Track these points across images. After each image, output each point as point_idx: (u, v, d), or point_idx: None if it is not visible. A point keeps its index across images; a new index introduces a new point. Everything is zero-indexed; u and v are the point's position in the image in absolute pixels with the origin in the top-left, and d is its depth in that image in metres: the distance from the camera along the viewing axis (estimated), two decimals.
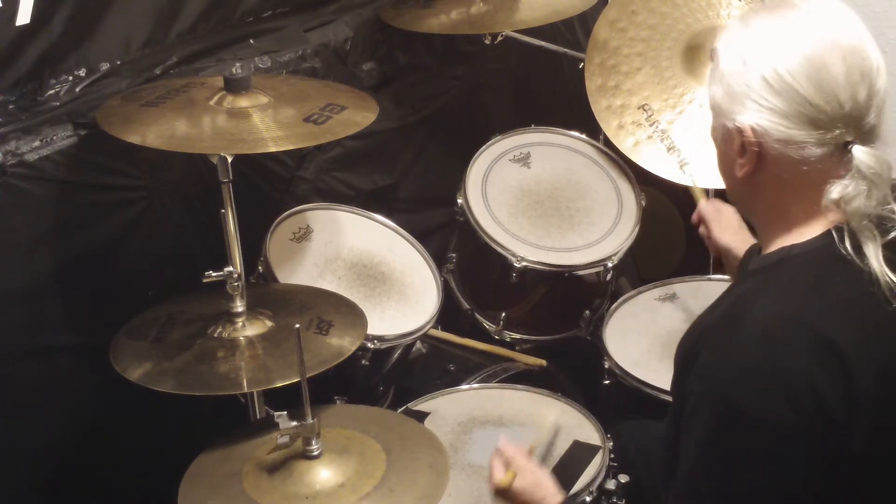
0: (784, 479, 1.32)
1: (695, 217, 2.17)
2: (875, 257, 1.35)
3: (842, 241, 1.37)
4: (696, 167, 2.50)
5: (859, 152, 1.34)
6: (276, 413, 1.65)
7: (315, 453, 1.69)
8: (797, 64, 1.35)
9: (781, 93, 1.36)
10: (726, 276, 2.25)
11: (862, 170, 1.34)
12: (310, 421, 1.66)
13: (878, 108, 1.38)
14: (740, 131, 1.40)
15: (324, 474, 1.68)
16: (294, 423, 1.65)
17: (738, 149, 1.42)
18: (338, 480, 1.67)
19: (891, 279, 1.35)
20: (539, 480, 1.68)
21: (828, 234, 1.39)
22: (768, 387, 1.31)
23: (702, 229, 2.15)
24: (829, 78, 1.34)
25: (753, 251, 1.59)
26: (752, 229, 1.57)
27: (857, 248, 1.36)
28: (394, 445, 1.77)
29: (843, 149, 1.36)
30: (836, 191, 1.36)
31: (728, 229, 2.07)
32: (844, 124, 1.35)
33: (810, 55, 1.35)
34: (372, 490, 1.66)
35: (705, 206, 2.15)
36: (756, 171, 1.42)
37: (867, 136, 1.37)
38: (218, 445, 1.81)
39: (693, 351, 1.42)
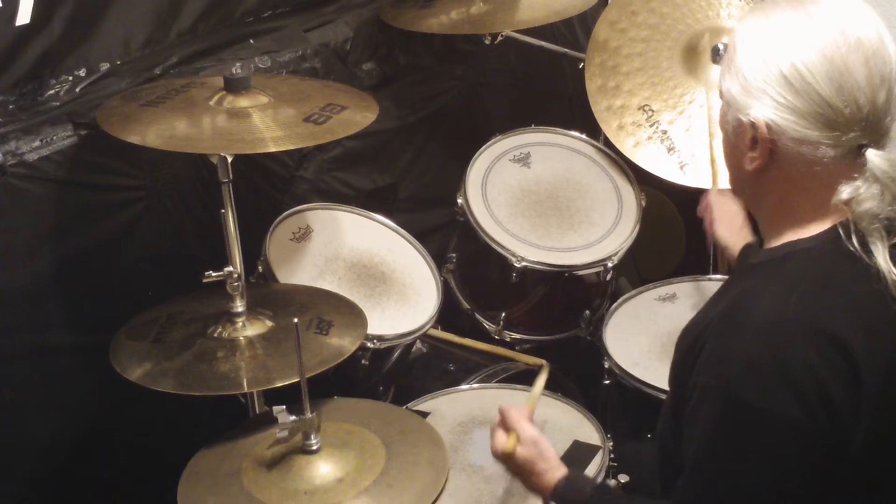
0: (787, 472, 1.32)
1: (701, 207, 2.17)
2: (883, 257, 1.35)
3: (848, 237, 1.37)
4: (696, 168, 2.51)
5: (873, 156, 1.34)
6: (275, 407, 1.65)
7: (314, 448, 1.69)
8: (818, 63, 1.34)
9: (800, 92, 1.34)
10: (726, 277, 2.25)
11: (875, 173, 1.34)
12: (309, 415, 1.66)
13: (895, 112, 1.37)
14: (754, 126, 1.39)
15: (323, 469, 1.68)
16: (293, 418, 1.65)
17: (749, 142, 1.41)
18: (337, 475, 1.67)
19: None
20: (542, 451, 1.66)
21: (834, 229, 1.39)
22: (773, 380, 1.31)
23: (706, 218, 2.15)
24: (850, 80, 1.33)
25: (750, 247, 1.59)
26: (755, 224, 1.56)
27: (864, 244, 1.36)
28: (393, 440, 1.77)
29: (857, 151, 1.35)
30: (847, 192, 1.36)
31: (729, 226, 2.07)
32: (861, 127, 1.34)
33: (832, 55, 1.34)
34: (371, 484, 1.66)
35: (714, 196, 2.15)
36: (766, 167, 1.41)
37: (882, 139, 1.37)
38: (217, 442, 1.81)
39: (696, 345, 1.41)
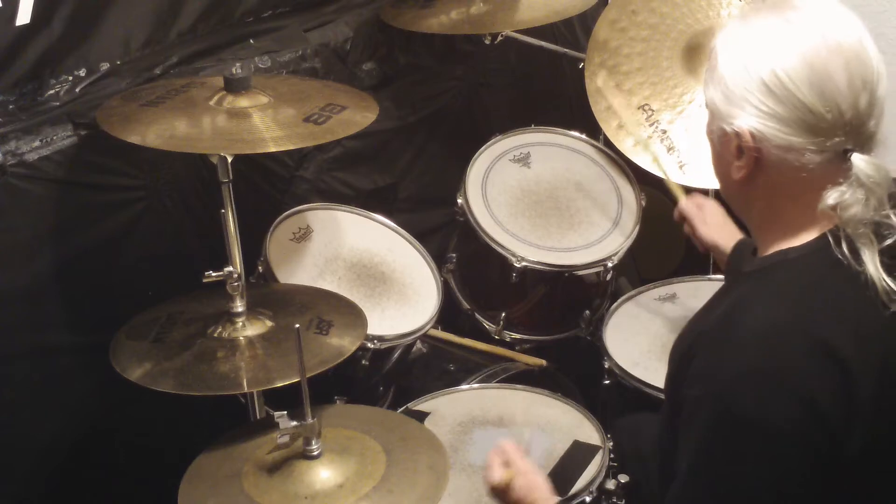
0: (781, 481, 1.32)
1: (676, 215, 2.18)
2: (872, 262, 1.34)
3: (837, 244, 1.36)
4: (695, 167, 2.50)
5: (858, 160, 1.33)
6: (277, 413, 1.65)
7: (315, 453, 1.69)
8: (799, 69, 1.33)
9: (782, 99, 1.34)
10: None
11: (860, 178, 1.33)
12: (310, 421, 1.66)
13: (878, 116, 1.37)
14: (738, 135, 1.38)
15: (323, 474, 1.68)
16: (294, 423, 1.65)
17: (735, 151, 1.41)
18: (337, 481, 1.67)
19: (887, 283, 1.34)
20: (535, 482, 1.67)
21: (823, 237, 1.38)
22: (765, 389, 1.31)
23: (686, 227, 2.16)
24: (831, 85, 1.32)
25: (743, 248, 1.59)
26: (744, 228, 1.56)
27: (853, 251, 1.35)
28: (394, 446, 1.77)
29: (842, 156, 1.35)
30: (832, 197, 1.35)
31: (712, 225, 2.07)
32: (844, 132, 1.34)
33: (812, 61, 1.33)
34: (371, 490, 1.66)
35: (686, 204, 2.16)
36: (753, 175, 1.41)
37: (866, 142, 1.36)
38: (218, 445, 1.81)
39: (688, 354, 1.41)
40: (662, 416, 1.57)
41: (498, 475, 1.68)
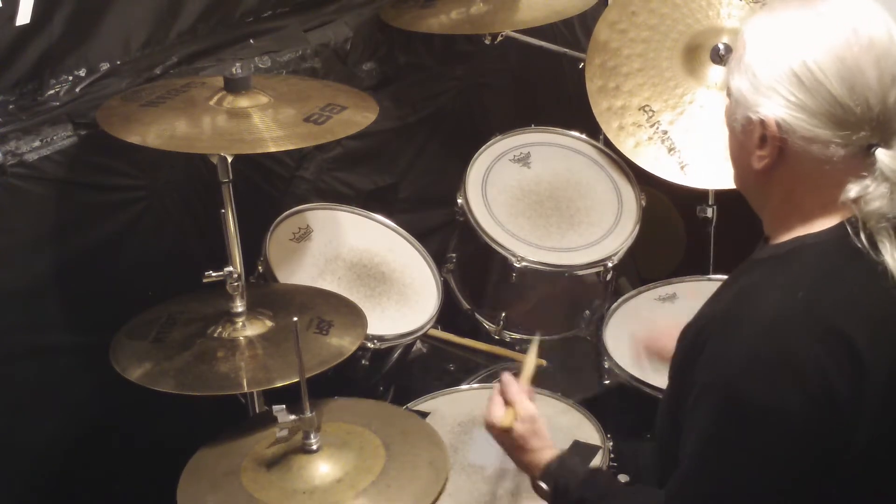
0: (788, 469, 1.32)
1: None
2: (891, 255, 1.34)
3: (856, 233, 1.36)
4: (696, 168, 2.51)
5: (883, 155, 1.33)
6: (275, 406, 1.65)
7: (314, 447, 1.69)
8: (830, 62, 1.33)
9: (812, 90, 1.33)
10: (726, 277, 2.25)
11: (885, 173, 1.33)
12: (308, 415, 1.66)
13: None
14: (764, 124, 1.37)
15: (322, 469, 1.68)
16: (293, 417, 1.65)
17: (758, 140, 1.40)
18: (336, 475, 1.67)
19: None
20: (537, 429, 1.67)
21: (841, 225, 1.38)
22: (775, 375, 1.30)
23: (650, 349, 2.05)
24: (861, 80, 1.32)
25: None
26: (757, 222, 1.56)
27: (872, 241, 1.35)
28: (394, 441, 1.77)
29: (867, 150, 1.34)
30: (855, 190, 1.35)
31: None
32: (871, 127, 1.34)
33: (843, 54, 1.32)
34: (370, 485, 1.66)
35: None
36: (774, 165, 1.40)
37: (892, 138, 1.36)
38: (217, 441, 1.82)
39: (698, 340, 1.41)
40: (662, 407, 1.56)
41: (499, 415, 1.68)
